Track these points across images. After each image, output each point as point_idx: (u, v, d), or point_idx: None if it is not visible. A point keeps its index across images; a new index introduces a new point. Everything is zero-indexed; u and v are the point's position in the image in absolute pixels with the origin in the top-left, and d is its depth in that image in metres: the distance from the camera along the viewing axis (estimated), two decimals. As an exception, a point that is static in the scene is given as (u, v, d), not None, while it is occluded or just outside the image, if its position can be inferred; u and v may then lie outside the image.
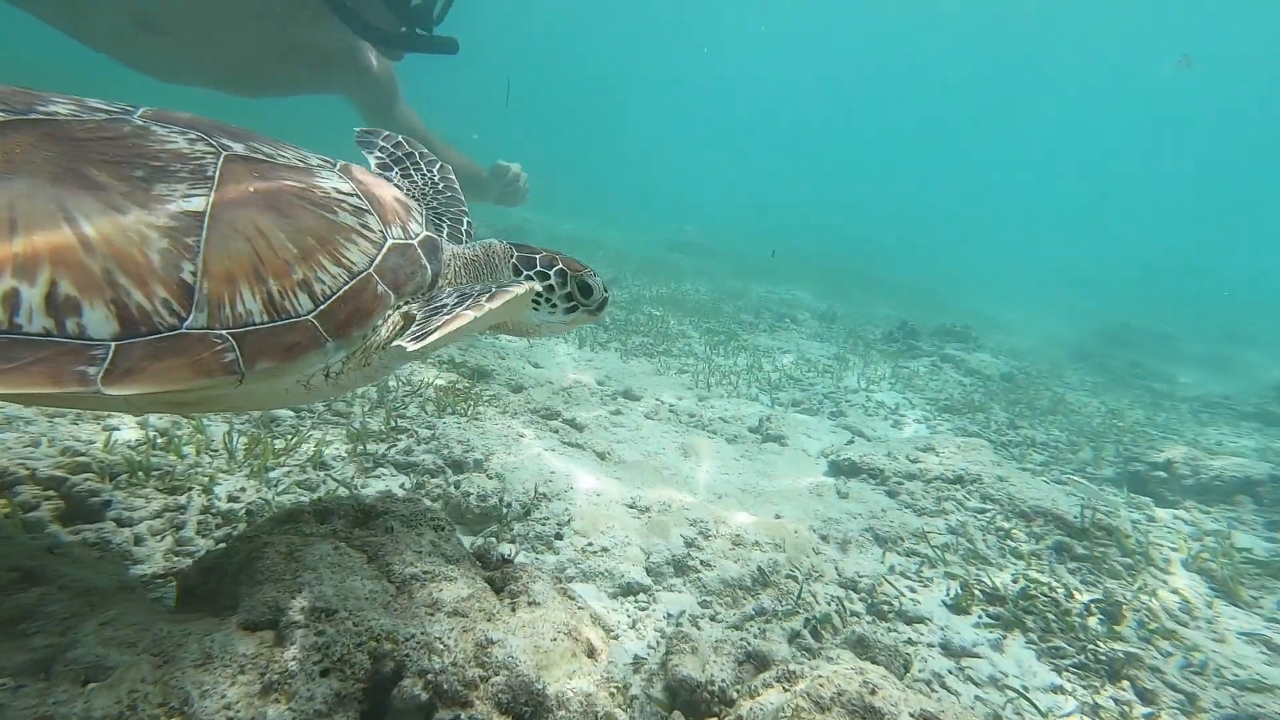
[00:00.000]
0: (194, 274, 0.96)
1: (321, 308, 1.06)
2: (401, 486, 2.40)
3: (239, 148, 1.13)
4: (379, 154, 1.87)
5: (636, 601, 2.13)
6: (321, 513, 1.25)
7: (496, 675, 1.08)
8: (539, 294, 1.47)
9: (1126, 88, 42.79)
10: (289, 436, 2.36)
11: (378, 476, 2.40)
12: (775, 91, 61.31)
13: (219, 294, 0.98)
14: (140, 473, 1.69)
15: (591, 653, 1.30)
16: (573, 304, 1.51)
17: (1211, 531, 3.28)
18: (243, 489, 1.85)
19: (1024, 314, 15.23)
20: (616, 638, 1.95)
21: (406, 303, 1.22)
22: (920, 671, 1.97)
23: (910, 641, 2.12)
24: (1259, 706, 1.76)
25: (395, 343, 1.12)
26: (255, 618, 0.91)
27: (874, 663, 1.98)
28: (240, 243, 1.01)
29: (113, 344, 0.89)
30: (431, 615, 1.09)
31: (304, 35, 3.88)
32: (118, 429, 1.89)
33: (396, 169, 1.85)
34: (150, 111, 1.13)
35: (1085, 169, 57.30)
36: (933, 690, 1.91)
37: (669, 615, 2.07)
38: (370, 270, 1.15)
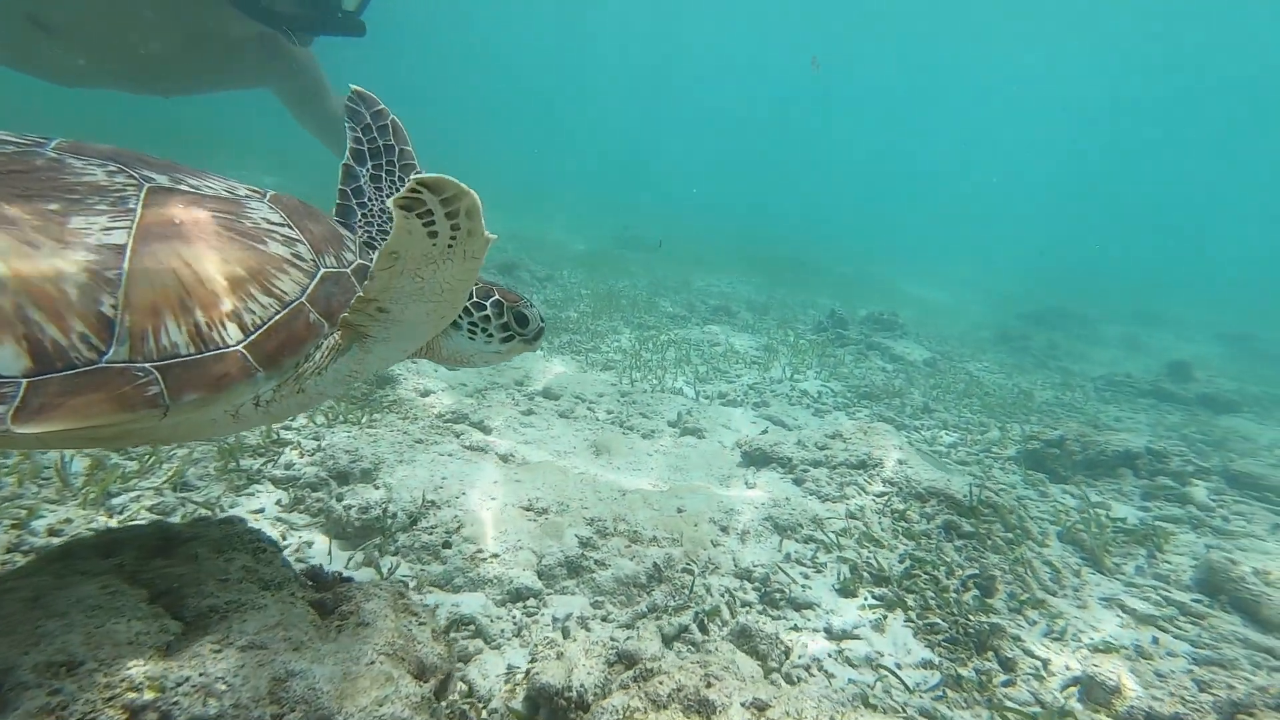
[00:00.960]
0: (114, 308, 0.95)
1: (252, 338, 1.07)
2: (278, 503, 2.28)
3: (162, 179, 1.11)
4: (359, 135, 1.77)
5: (525, 607, 2.10)
6: (108, 545, 1.15)
7: (292, 712, 1.02)
8: (474, 323, 1.52)
9: (1057, 76, 45.31)
10: (145, 457, 2.20)
11: (251, 494, 2.28)
12: (719, 86, 61.97)
13: (141, 327, 0.97)
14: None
15: (421, 673, 1.25)
16: (509, 334, 1.55)
17: (1094, 504, 3.50)
18: (69, 520, 1.70)
19: (956, 298, 15.96)
20: (498, 647, 1.91)
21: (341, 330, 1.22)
22: (800, 657, 2.01)
23: (796, 628, 2.16)
24: (1095, 666, 1.88)
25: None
26: (-29, 679, 0.82)
27: (755, 652, 2.02)
28: (165, 275, 1.01)
29: (24, 381, 0.88)
30: (219, 651, 1.02)
31: (210, 25, 3.62)
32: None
33: (369, 164, 1.77)
34: (64, 143, 1.11)
35: (1013, 159, 60.48)
36: (810, 674, 1.95)
37: (555, 619, 2.05)
38: (303, 299, 1.15)
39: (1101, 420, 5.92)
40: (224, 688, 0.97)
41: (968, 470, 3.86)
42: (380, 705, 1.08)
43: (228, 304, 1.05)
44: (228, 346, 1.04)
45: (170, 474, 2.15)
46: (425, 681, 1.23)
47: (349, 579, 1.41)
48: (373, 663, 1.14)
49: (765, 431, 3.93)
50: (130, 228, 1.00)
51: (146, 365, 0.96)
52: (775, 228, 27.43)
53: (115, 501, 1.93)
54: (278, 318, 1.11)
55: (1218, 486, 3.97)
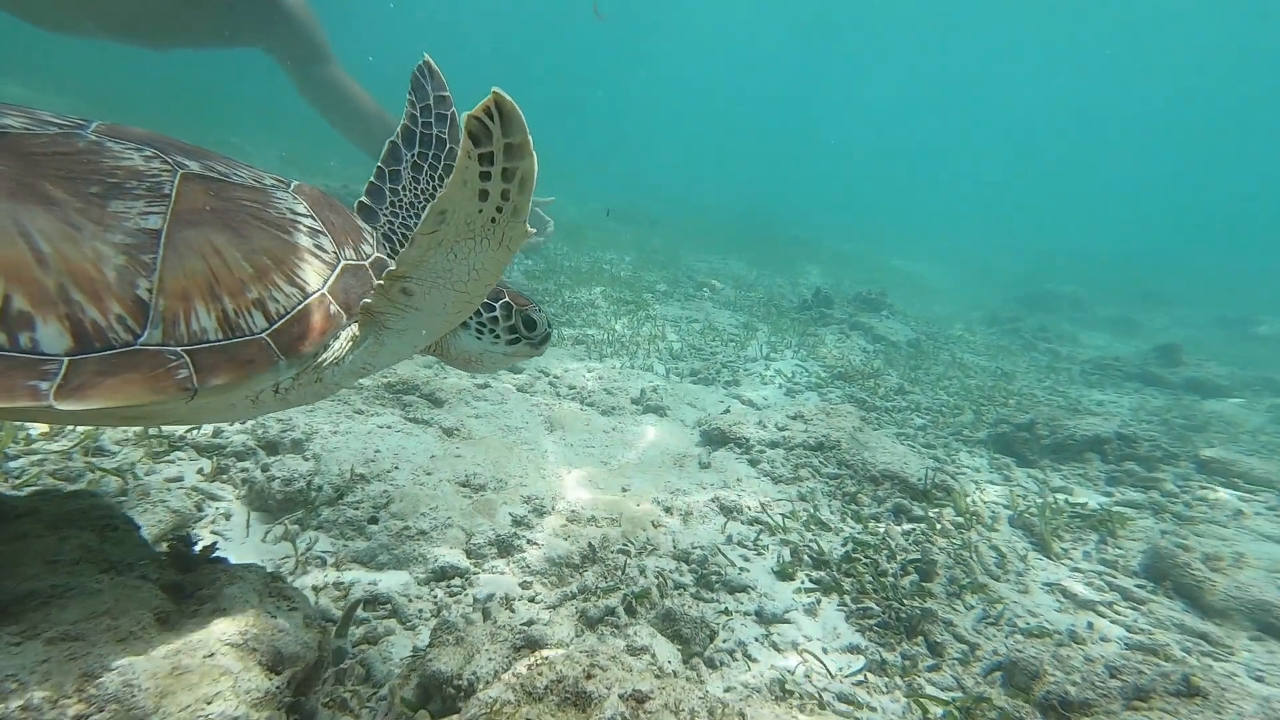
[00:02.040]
0: (150, 291, 0.98)
1: (275, 326, 1.10)
2: (199, 472, 2.22)
3: (195, 166, 1.14)
4: (415, 114, 1.71)
5: (448, 587, 2.05)
6: (-74, 522, 1.08)
7: (101, 712, 0.95)
8: (483, 323, 1.53)
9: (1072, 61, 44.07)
10: (58, 425, 2.13)
11: (171, 461, 2.21)
12: (719, 63, 60.29)
13: (174, 311, 1.00)
14: None
15: (277, 664, 1.19)
16: (515, 336, 1.56)
17: (1054, 489, 3.45)
18: (-50, 487, 1.64)
19: (952, 277, 15.77)
20: (413, 628, 1.87)
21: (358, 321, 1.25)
22: (725, 641, 1.97)
23: (726, 611, 2.12)
24: (1019, 651, 1.83)
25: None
26: None
27: (678, 636, 1.98)
28: (196, 261, 1.03)
29: (66, 359, 0.91)
30: (18, 644, 0.94)
31: None
32: None
33: (415, 149, 1.72)
34: (103, 126, 1.13)
35: (1023, 140, 59.25)
36: (733, 659, 1.91)
37: (478, 600, 2.00)
38: (324, 290, 1.18)
39: (1083, 404, 5.85)
40: (13, 686, 0.90)
41: (932, 453, 3.80)
42: (209, 703, 1.02)
43: (254, 292, 1.08)
44: (253, 334, 1.07)
45: (83, 437, 2.08)
46: (278, 673, 1.16)
47: (218, 559, 1.34)
48: (212, 654, 1.08)
49: (728, 410, 3.86)
50: (165, 213, 1.03)
51: (178, 349, 0.99)
52: (778, 204, 27.02)
53: (13, 465, 1.86)
54: (300, 307, 1.13)
55: (1186, 472, 3.92)
